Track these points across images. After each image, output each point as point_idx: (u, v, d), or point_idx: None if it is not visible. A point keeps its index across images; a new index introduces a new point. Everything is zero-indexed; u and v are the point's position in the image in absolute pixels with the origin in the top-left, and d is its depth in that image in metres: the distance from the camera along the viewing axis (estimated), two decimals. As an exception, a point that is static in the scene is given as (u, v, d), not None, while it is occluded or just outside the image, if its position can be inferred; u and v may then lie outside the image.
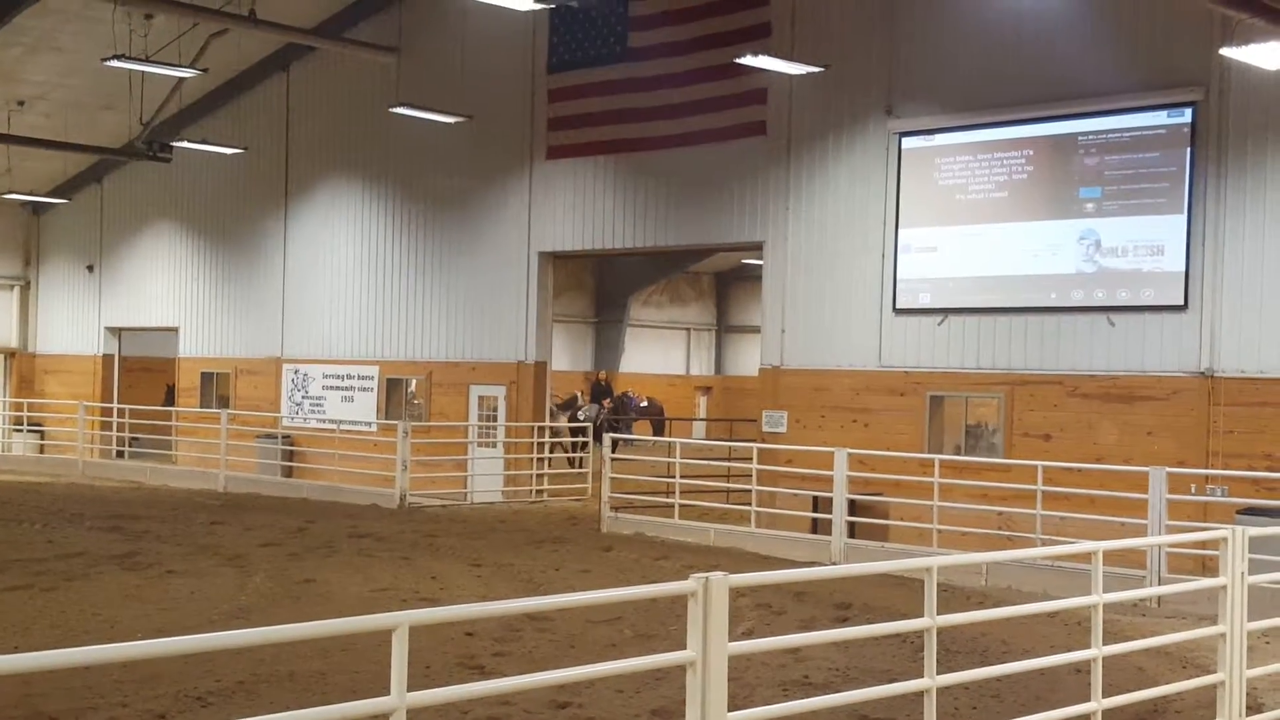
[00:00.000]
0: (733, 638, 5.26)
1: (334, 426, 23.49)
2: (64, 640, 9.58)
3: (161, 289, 28.64)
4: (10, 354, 32.05)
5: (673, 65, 19.48)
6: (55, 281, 31.52)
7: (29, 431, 29.69)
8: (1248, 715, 7.41)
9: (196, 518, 18.23)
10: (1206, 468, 14.21)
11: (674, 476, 17.49)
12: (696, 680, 5.10)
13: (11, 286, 31.91)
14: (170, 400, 28.88)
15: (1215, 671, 7.40)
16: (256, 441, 24.73)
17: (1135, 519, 13.27)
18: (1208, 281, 14.71)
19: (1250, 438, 14.27)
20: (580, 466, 23.43)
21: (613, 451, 18.13)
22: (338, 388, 24.76)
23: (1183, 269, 14.87)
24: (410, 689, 4.50)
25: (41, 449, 29.38)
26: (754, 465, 16.87)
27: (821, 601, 12.02)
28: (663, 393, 39.84)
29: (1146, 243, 15.18)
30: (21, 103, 25.60)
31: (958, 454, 16.60)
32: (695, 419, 40.34)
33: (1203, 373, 14.70)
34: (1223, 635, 7.23)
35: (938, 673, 6.18)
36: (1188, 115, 14.85)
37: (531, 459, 21.77)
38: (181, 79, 22.95)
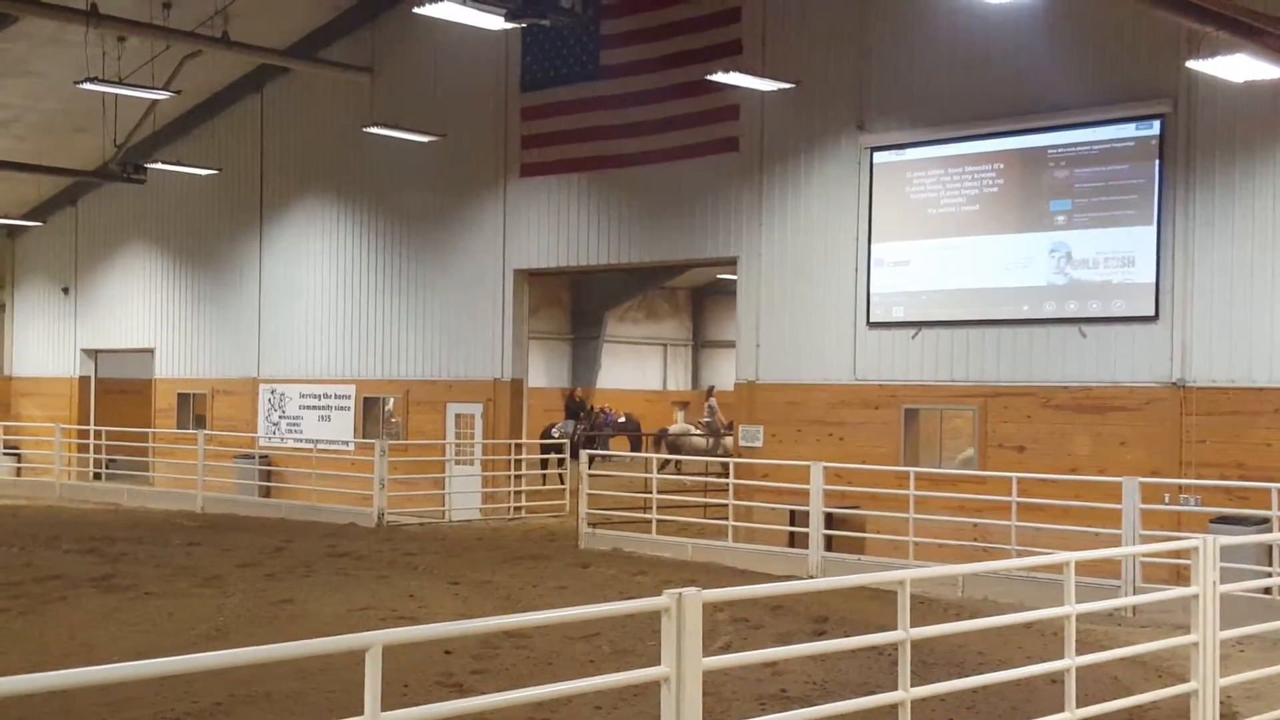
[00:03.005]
0: (710, 652, 5.30)
1: (311, 446, 23.43)
2: (41, 663, 9.54)
3: (137, 310, 28.54)
4: (-15, 377, 31.90)
5: (645, 83, 19.58)
6: (30, 304, 31.37)
7: (5, 454, 29.49)
8: (1220, 723, 7.47)
9: (174, 539, 18.16)
10: (1179, 477, 14.33)
11: (651, 492, 17.53)
12: (671, 695, 5.13)
13: (-14, 309, 31.81)
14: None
15: (1189, 680, 7.46)
16: (234, 462, 24.63)
17: (1109, 529, 13.37)
18: (1178, 292, 14.86)
19: (1222, 447, 14.41)
20: (561, 483, 23.48)
21: (590, 467, 18.12)
22: (315, 407, 24.71)
23: (1153, 280, 15.01)
24: (387, 708, 4.52)
25: (18, 472, 29.19)
26: (731, 480, 16.92)
27: (799, 615, 12.07)
28: (640, 408, 39.83)
29: (1117, 254, 15.32)
30: (-6, 125, 25.53)
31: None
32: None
33: (1174, 383, 14.83)
34: (1196, 644, 7.30)
35: (914, 685, 6.23)
36: (1156, 128, 15.02)
37: (509, 476, 21.77)
38: (155, 101, 22.95)
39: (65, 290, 30.21)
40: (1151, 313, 15.00)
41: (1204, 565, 7.27)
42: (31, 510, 22.80)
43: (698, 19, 18.99)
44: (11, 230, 31.23)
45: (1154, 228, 15.01)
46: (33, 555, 16.23)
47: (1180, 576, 13.34)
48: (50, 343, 30.74)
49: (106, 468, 27.30)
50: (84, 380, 30.19)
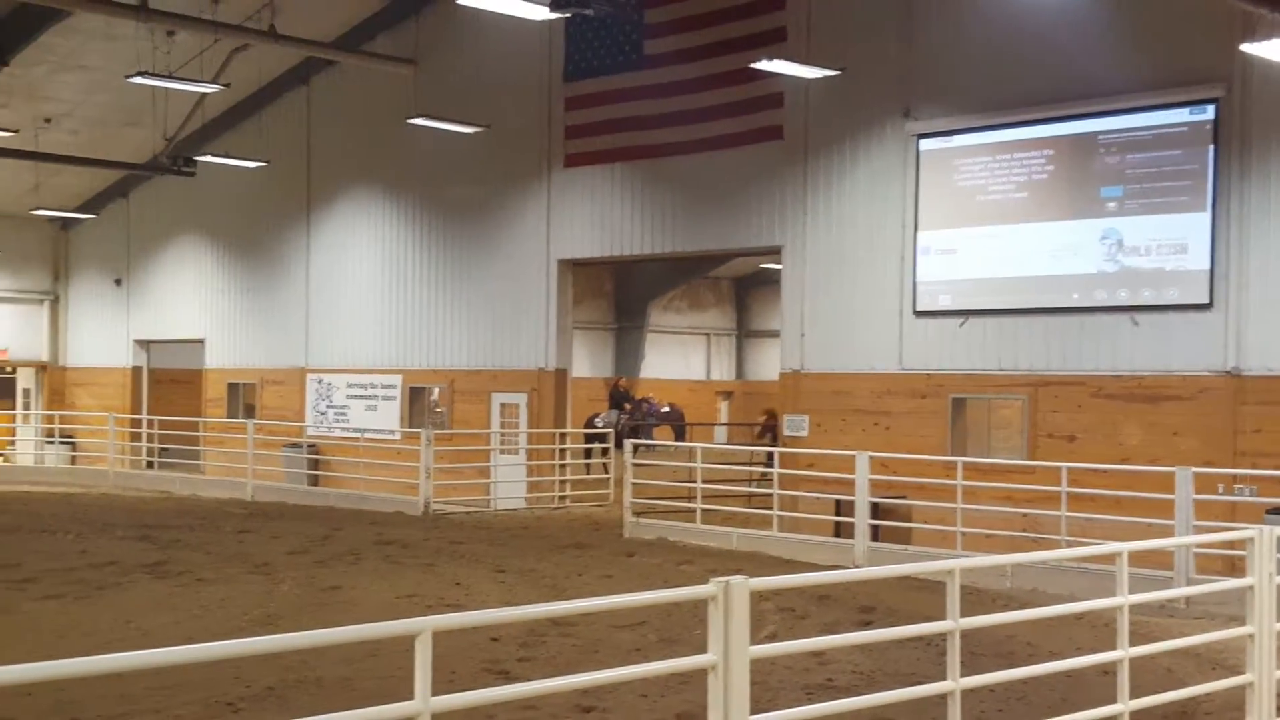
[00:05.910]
0: (756, 641, 5.27)
1: (358, 435, 23.60)
2: (97, 648, 9.67)
3: (188, 301, 28.87)
4: (41, 367, 32.39)
5: (689, 71, 19.53)
6: (84, 295, 31.81)
7: (60, 443, 29.94)
8: (1278, 716, 7.36)
9: (225, 526, 18.36)
10: (1234, 467, 14.11)
11: (695, 481, 17.50)
12: (718, 684, 5.12)
13: (42, 301, 32.28)
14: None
15: (1244, 673, 7.35)
16: (283, 451, 24.88)
17: (1162, 520, 13.20)
18: (1232, 279, 14.63)
19: (1278, 436, 14.18)
20: (605, 472, 23.51)
21: (633, 457, 18.12)
22: (361, 397, 24.88)
23: (1207, 267, 14.79)
24: (435, 694, 4.54)
25: (73, 460, 29.62)
26: (776, 469, 16.86)
27: (845, 605, 12.02)
28: (684, 398, 39.82)
29: (1170, 241, 15.11)
30: (49, 120, 25.85)
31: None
32: (716, 424, 40.32)
33: (1229, 371, 14.62)
34: (1251, 636, 7.19)
35: (962, 675, 6.18)
36: (1210, 112, 14.79)
37: (554, 465, 21.83)
38: (204, 94, 23.17)
39: (118, 282, 30.61)
40: (1205, 300, 14.79)
41: (1260, 556, 7.15)
42: (86, 498, 23.12)
43: (742, 6, 18.90)
44: (65, 223, 31.67)
45: (1208, 214, 14.79)
46: (88, 542, 16.45)
47: (1235, 568, 13.17)
48: (104, 333, 31.17)
49: (159, 456, 27.65)
50: (136, 370, 30.60)
